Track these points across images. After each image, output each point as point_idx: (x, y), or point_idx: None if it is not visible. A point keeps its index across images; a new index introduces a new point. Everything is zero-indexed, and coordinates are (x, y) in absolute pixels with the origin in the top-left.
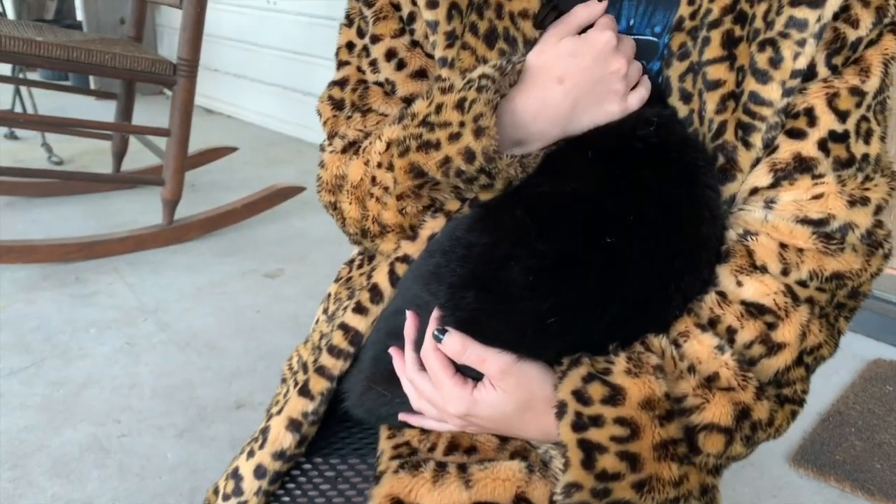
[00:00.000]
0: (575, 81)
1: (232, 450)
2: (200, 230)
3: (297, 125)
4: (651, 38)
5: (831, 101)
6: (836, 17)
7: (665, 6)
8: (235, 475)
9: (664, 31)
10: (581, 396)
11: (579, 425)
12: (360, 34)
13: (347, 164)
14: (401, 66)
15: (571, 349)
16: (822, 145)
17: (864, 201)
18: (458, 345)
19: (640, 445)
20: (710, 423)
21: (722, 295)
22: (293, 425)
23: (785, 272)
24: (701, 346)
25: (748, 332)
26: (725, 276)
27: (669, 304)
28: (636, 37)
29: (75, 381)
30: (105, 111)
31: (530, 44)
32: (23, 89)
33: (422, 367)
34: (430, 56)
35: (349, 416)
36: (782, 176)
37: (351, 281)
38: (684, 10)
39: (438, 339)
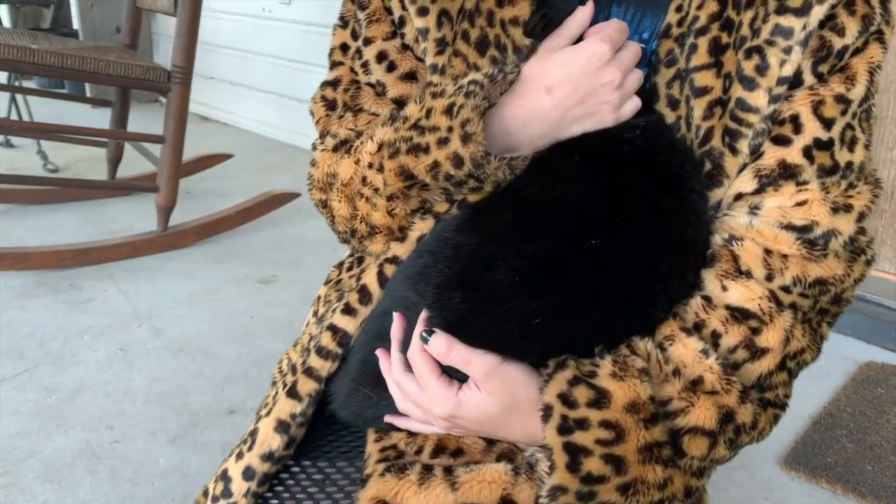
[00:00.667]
0: (564, 91)
1: (224, 455)
2: (195, 237)
3: (293, 132)
4: (641, 43)
5: (817, 108)
6: (821, 25)
7: (653, 13)
8: (224, 477)
9: (652, 38)
10: (567, 400)
11: (565, 429)
12: (355, 36)
13: (338, 162)
14: (391, 68)
15: (557, 351)
16: (807, 152)
17: (848, 208)
18: (444, 346)
19: (625, 448)
20: (695, 426)
21: (707, 299)
22: (281, 427)
23: (769, 277)
24: (686, 350)
25: (732, 336)
26: (711, 280)
27: (655, 306)
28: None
29: (68, 388)
30: (101, 119)
31: (520, 51)
32: (18, 97)
33: (408, 368)
34: (421, 59)
35: (336, 418)
36: (767, 182)
37: (341, 283)
38: (672, 17)
39: (425, 340)
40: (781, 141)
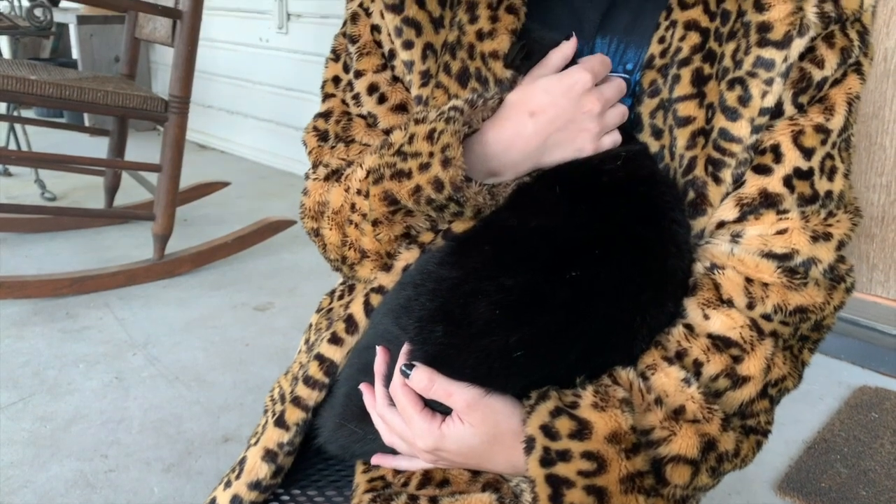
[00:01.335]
0: (547, 117)
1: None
2: (192, 264)
3: (289, 159)
4: (623, 75)
5: (797, 138)
6: (802, 57)
7: (636, 44)
8: None
9: (636, 69)
10: (549, 431)
11: (547, 460)
12: (346, 69)
13: (329, 190)
14: (382, 99)
15: (539, 382)
16: (788, 182)
17: (827, 237)
18: (426, 379)
19: (607, 479)
20: (677, 454)
21: (689, 328)
22: (269, 456)
23: (750, 306)
24: (668, 379)
25: (714, 365)
26: (693, 308)
27: (636, 337)
28: (609, 74)
29: (63, 417)
30: (99, 147)
31: (501, 83)
32: (17, 126)
33: (392, 402)
34: (410, 90)
35: (323, 450)
36: (748, 210)
37: (331, 311)
38: (655, 48)
39: (406, 375)
40: (762, 170)
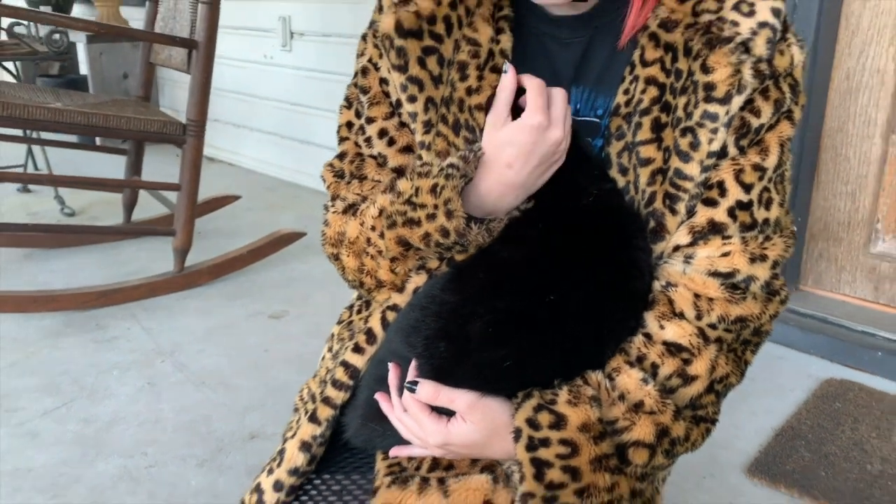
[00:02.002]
0: (521, 163)
1: (248, 476)
2: (209, 276)
3: (295, 171)
4: (595, 119)
5: (738, 175)
6: (742, 108)
7: (605, 93)
8: (258, 489)
9: (605, 114)
10: (533, 423)
11: (531, 446)
12: (358, 115)
13: (346, 223)
14: (391, 142)
15: (524, 385)
16: (731, 212)
17: (763, 258)
18: (431, 391)
19: (580, 460)
20: (637, 440)
21: (647, 336)
22: (305, 447)
23: (698, 317)
24: (629, 380)
25: (668, 367)
26: (651, 320)
27: (603, 347)
28: (583, 118)
29: (103, 419)
30: (113, 162)
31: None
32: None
33: (405, 409)
34: (415, 135)
35: (350, 443)
36: (699, 237)
37: (352, 324)
38: (620, 98)
39: (412, 390)
40: (710, 203)
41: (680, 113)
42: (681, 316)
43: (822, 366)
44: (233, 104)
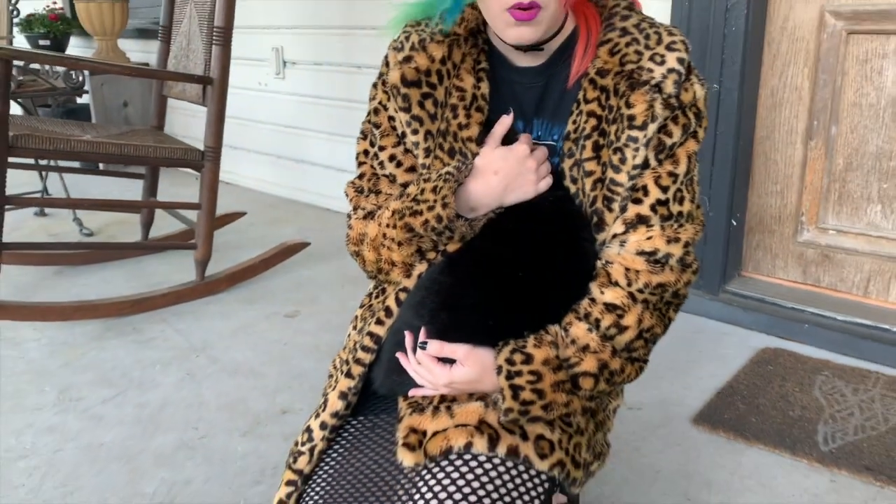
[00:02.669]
0: (505, 173)
1: (285, 441)
2: (228, 283)
3: (292, 188)
4: (553, 142)
5: (657, 180)
6: (658, 131)
7: (560, 124)
8: (308, 430)
9: (560, 139)
10: (510, 361)
11: (509, 376)
12: (372, 144)
13: (367, 225)
14: (399, 164)
15: (503, 337)
16: (653, 208)
17: (677, 240)
18: (437, 347)
19: (544, 385)
20: (584, 371)
21: (592, 300)
22: (342, 396)
23: (629, 284)
24: (579, 330)
25: (606, 321)
26: (594, 288)
27: (559, 310)
28: (544, 142)
29: (155, 404)
30: (116, 184)
31: (474, 155)
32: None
33: (419, 363)
34: (417, 159)
35: (377, 393)
36: (629, 226)
37: (372, 307)
38: (570, 126)
39: (423, 348)
40: (637, 201)
41: (612, 137)
42: (615, 284)
43: (761, 339)
44: (231, 128)
